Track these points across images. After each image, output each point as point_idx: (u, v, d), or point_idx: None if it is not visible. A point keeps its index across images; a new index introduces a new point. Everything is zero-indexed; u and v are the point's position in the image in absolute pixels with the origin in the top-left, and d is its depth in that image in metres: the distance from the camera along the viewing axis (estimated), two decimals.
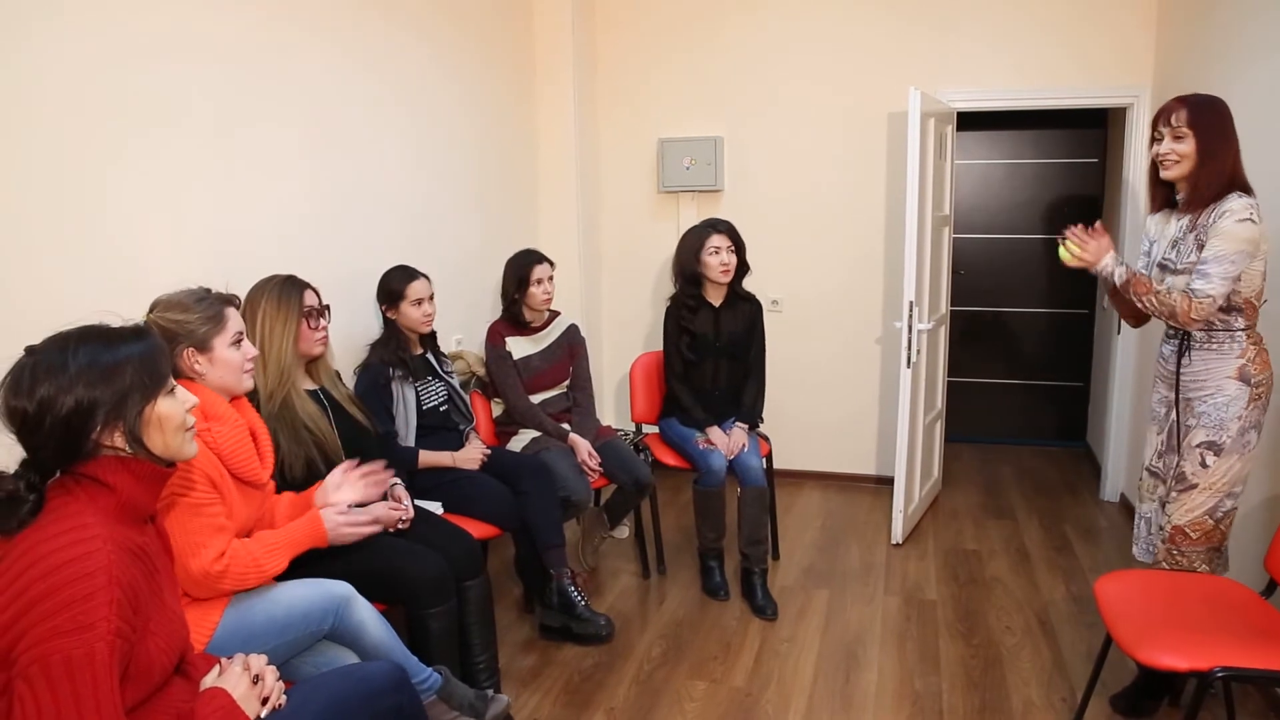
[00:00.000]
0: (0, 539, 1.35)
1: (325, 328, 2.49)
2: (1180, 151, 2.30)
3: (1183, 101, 2.32)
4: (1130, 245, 4.02)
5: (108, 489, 1.41)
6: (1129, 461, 4.30)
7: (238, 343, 2.00)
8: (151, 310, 1.94)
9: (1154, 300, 2.33)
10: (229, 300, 2.02)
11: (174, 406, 1.48)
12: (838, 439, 4.76)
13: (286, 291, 2.38)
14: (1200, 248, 2.27)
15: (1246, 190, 2.27)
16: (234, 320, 2.00)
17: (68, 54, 1.99)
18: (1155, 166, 2.41)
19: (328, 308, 2.49)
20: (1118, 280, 2.42)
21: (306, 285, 2.43)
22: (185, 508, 1.81)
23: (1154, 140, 2.39)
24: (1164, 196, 2.46)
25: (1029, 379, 5.63)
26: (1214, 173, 2.26)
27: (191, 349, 1.93)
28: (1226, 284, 2.21)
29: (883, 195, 4.46)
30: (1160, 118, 2.36)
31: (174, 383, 1.50)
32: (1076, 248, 2.48)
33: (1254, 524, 2.69)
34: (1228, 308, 2.29)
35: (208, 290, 2.00)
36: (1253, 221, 2.19)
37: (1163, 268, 2.41)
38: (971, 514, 4.34)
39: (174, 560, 1.63)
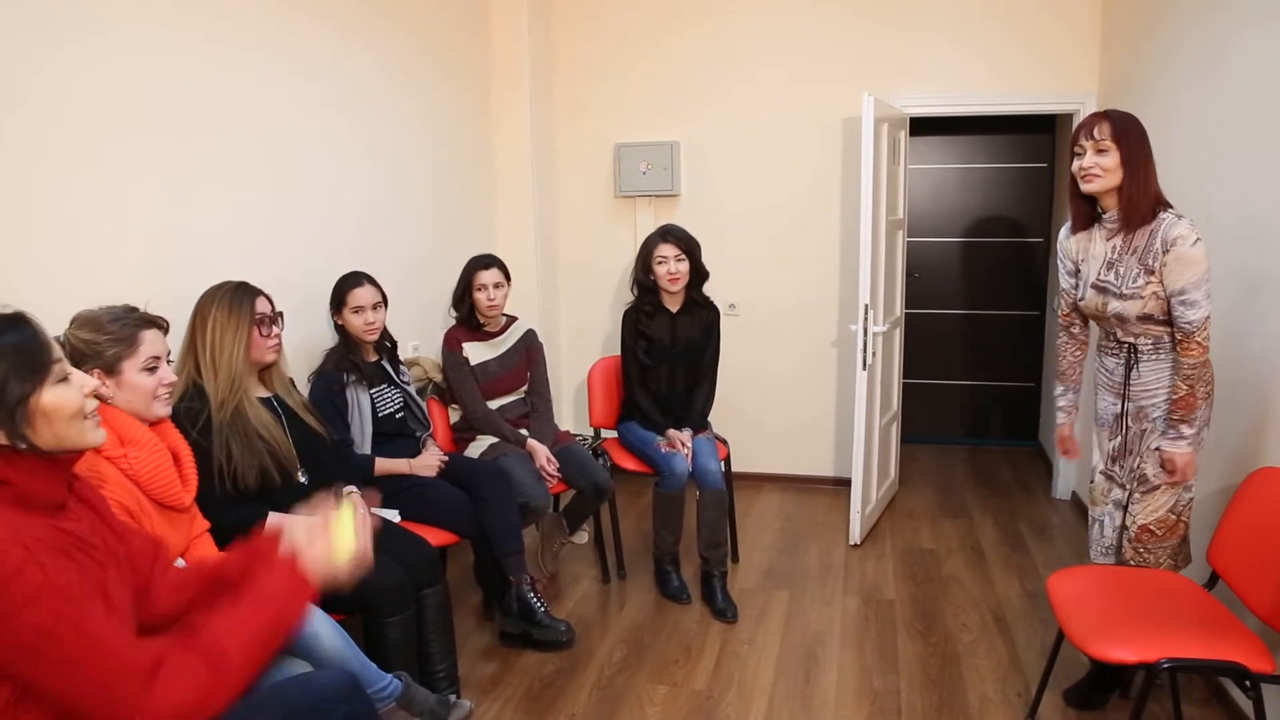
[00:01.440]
0: None
1: (278, 335, 2.45)
2: (1104, 165, 2.28)
3: (1104, 115, 2.31)
4: None
5: (2, 484, 1.32)
6: (1080, 460, 4.38)
7: (152, 368, 1.93)
8: (70, 325, 1.89)
9: (1201, 380, 2.26)
10: (151, 322, 1.95)
11: (65, 395, 1.37)
12: (795, 441, 4.79)
13: (237, 298, 2.33)
14: (1147, 271, 2.27)
15: (1168, 205, 2.30)
16: (149, 344, 1.93)
17: (19, 56, 1.95)
18: (1075, 182, 2.39)
19: (280, 315, 2.45)
20: (1200, 427, 2.33)
21: (259, 292, 2.39)
22: None
23: (1074, 155, 2.37)
24: (1087, 214, 2.44)
25: (982, 380, 5.73)
26: (1144, 189, 2.27)
27: (99, 370, 1.86)
28: (1210, 302, 2.23)
29: (838, 199, 4.50)
30: (1080, 132, 2.34)
31: (66, 369, 1.39)
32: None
33: (1196, 519, 2.75)
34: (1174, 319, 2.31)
35: (131, 309, 1.94)
36: (1200, 240, 2.21)
37: (1102, 290, 2.40)
38: (928, 514, 4.39)
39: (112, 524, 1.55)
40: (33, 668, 1.26)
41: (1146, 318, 2.32)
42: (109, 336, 1.88)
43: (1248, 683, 1.97)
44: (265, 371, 2.47)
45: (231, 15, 2.63)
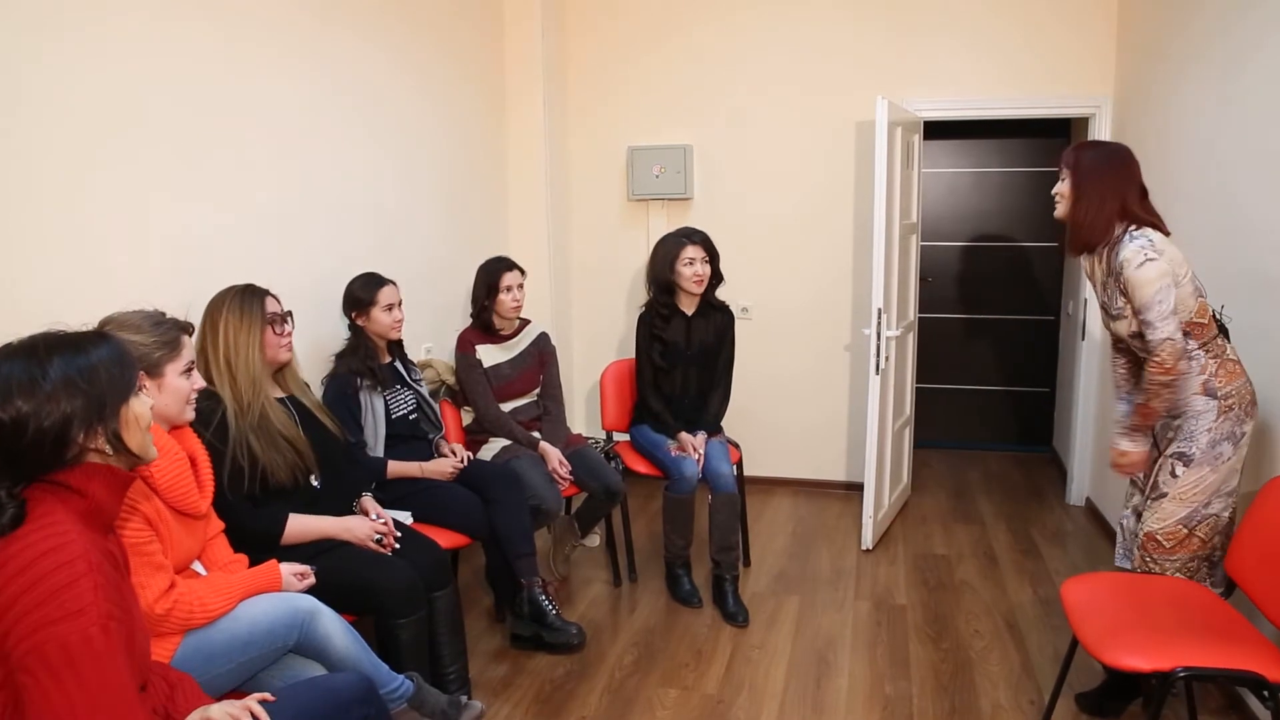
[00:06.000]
0: None
1: (289, 334, 2.46)
2: (1060, 191, 2.43)
3: (1073, 146, 2.44)
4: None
5: (79, 495, 1.39)
6: (1094, 466, 4.36)
7: (188, 371, 1.97)
8: (101, 328, 1.88)
9: (1161, 396, 2.31)
10: (184, 327, 1.98)
11: (143, 406, 1.48)
12: (808, 445, 4.78)
13: (247, 300, 2.35)
14: (1123, 293, 2.33)
15: (1136, 222, 2.32)
16: (188, 348, 1.97)
17: (34, 58, 1.96)
18: None
19: (290, 314, 2.47)
20: (1155, 425, 2.44)
21: (266, 292, 2.40)
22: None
23: None
24: None
25: (996, 385, 5.70)
26: (1086, 214, 2.35)
27: (141, 372, 1.88)
28: (1170, 320, 2.25)
29: (851, 203, 4.49)
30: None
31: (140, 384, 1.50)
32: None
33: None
34: None
35: (163, 314, 1.97)
36: (1150, 260, 2.24)
37: (1104, 310, 2.47)
38: (940, 519, 4.37)
39: (130, 575, 1.59)
40: (39, 683, 1.24)
41: (1135, 335, 2.36)
42: (155, 339, 1.90)
43: (1266, 692, 1.96)
44: (279, 373, 2.48)
45: (247, 17, 2.65)
